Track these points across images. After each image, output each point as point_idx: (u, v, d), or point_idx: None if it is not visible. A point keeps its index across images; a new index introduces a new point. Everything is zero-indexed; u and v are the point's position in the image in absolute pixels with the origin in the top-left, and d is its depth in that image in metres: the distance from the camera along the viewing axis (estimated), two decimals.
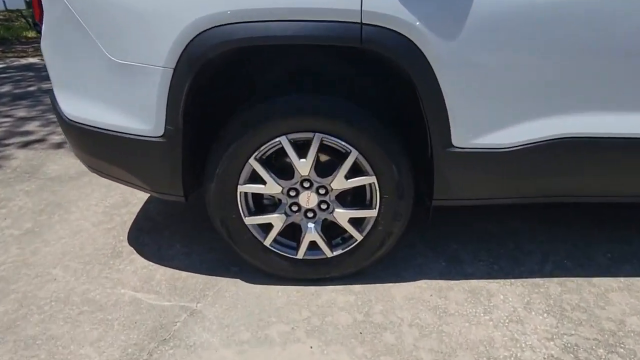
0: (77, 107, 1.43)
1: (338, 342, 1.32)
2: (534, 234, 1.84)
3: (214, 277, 1.64)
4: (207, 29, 1.19)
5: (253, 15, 1.16)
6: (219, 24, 1.18)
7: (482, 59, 1.20)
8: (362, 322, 1.40)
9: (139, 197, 2.25)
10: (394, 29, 1.16)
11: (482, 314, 1.41)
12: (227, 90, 1.51)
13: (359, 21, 1.15)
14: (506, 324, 1.37)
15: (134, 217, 2.09)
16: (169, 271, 1.68)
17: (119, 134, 1.39)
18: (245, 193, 1.45)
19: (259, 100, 1.34)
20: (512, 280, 1.56)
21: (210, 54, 1.21)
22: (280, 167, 1.44)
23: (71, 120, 1.46)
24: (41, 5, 1.36)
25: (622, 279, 1.56)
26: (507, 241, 1.80)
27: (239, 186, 1.42)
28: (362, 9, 1.14)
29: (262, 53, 1.42)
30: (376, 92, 1.52)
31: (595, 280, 1.55)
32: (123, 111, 1.36)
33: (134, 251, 1.82)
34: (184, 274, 1.66)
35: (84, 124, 1.43)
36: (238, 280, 1.61)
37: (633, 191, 1.43)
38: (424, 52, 1.18)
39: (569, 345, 1.28)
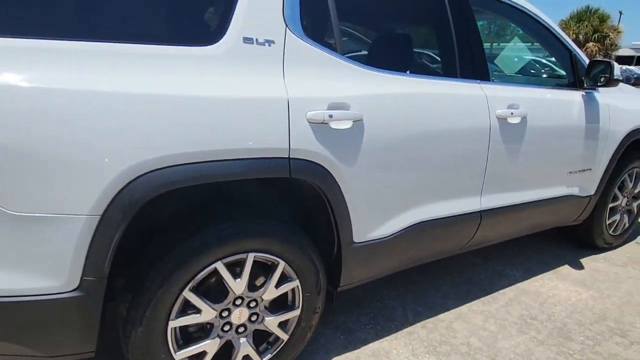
0: None
1: None
2: (387, 289, 2.33)
3: None
4: (145, 173, 1.16)
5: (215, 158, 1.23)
6: (163, 167, 1.17)
7: (369, 178, 1.59)
8: None
9: None
10: (315, 160, 1.42)
11: None
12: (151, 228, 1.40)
13: (289, 158, 1.37)
14: None
15: None
16: None
17: (7, 300, 1.11)
18: (175, 327, 1.37)
19: (189, 231, 1.34)
20: (394, 334, 1.97)
21: (150, 197, 1.18)
22: (208, 289, 1.43)
23: None
24: None
25: (452, 310, 2.19)
26: (372, 301, 2.22)
27: (170, 322, 1.33)
28: (293, 147, 1.36)
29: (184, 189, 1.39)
30: (289, 212, 1.70)
31: (441, 316, 2.13)
32: (17, 271, 1.11)
33: None
34: None
35: None
36: None
37: (460, 248, 2.09)
38: (335, 173, 1.48)
39: None
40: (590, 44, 19.84)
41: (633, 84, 26.41)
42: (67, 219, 1.12)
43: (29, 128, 1.05)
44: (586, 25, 20.03)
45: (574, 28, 20.25)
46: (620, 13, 40.81)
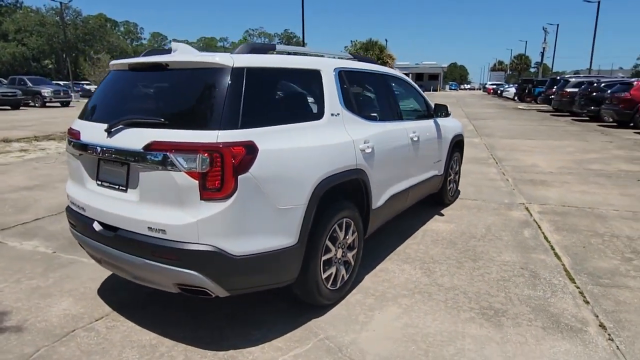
0: (247, 245, 2.19)
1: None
2: (375, 244, 3.92)
3: None
4: (320, 181, 2.50)
5: (337, 172, 2.61)
6: (325, 178, 2.52)
7: (379, 173, 3.18)
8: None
9: None
10: (362, 168, 2.94)
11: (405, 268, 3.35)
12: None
13: (356, 168, 2.85)
14: (417, 276, 3.38)
15: None
16: None
17: (275, 251, 2.31)
18: (323, 259, 2.68)
19: (326, 208, 2.66)
20: (384, 261, 3.58)
21: (322, 193, 2.51)
22: (331, 239, 2.77)
23: (240, 256, 2.17)
24: (236, 184, 2.08)
25: (402, 245, 3.93)
26: (369, 252, 3.78)
27: (322, 257, 2.65)
28: (357, 163, 2.85)
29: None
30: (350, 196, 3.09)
31: (399, 248, 3.84)
32: (276, 235, 2.31)
33: None
34: None
35: (252, 254, 2.21)
36: None
37: (403, 208, 3.85)
38: (368, 174, 3.02)
39: (426, 269, 3.46)
40: None
41: None
42: (296, 207, 2.38)
43: (281, 166, 2.30)
44: (372, 54, 25.65)
45: (363, 55, 25.65)
46: (386, 40, 52.30)
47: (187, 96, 2.32)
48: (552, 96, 20.71)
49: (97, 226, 2.42)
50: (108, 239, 2.37)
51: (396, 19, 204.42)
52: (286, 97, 2.64)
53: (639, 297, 3.00)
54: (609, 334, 2.57)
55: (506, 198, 5.61)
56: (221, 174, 2.08)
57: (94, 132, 2.44)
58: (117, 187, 2.37)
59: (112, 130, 2.32)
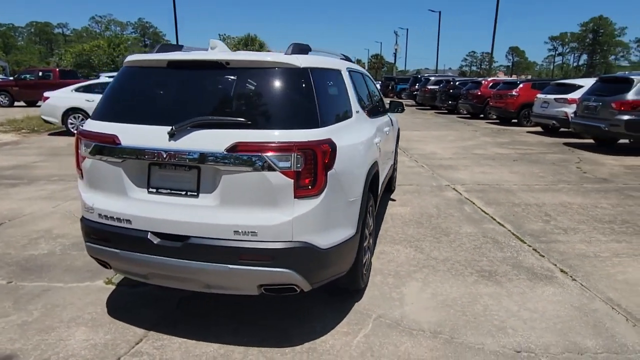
0: (330, 237, 2.29)
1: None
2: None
3: None
4: (367, 173, 2.71)
5: (372, 163, 2.85)
6: (369, 170, 2.74)
7: (380, 164, 3.50)
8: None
9: None
10: (377, 161, 3.22)
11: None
12: None
13: (376, 160, 3.12)
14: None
15: None
16: None
17: (346, 241, 2.46)
18: (363, 246, 2.89)
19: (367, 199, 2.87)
20: (384, 245, 3.93)
21: (368, 185, 2.73)
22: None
23: (326, 249, 2.26)
24: (326, 180, 2.15)
25: (382, 228, 4.32)
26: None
27: (363, 242, 2.86)
28: (376, 155, 3.12)
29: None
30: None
31: (381, 232, 4.22)
32: (347, 226, 2.47)
33: None
34: None
35: (333, 246, 2.32)
36: None
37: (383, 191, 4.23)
38: (379, 165, 3.32)
39: (415, 247, 3.91)
40: None
41: None
42: (357, 199, 2.56)
43: (350, 161, 2.46)
44: (252, 50, 25.60)
45: (244, 50, 25.46)
46: (256, 35, 52.65)
47: (258, 96, 2.27)
48: (416, 92, 23.66)
49: (154, 238, 2.21)
50: (171, 250, 2.19)
51: (262, 13, 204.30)
52: (334, 96, 2.76)
53: (572, 248, 3.96)
54: (570, 276, 3.38)
55: (433, 182, 6.48)
56: (314, 171, 2.14)
57: (143, 135, 2.20)
58: (183, 193, 2.20)
59: (177, 132, 2.14)
